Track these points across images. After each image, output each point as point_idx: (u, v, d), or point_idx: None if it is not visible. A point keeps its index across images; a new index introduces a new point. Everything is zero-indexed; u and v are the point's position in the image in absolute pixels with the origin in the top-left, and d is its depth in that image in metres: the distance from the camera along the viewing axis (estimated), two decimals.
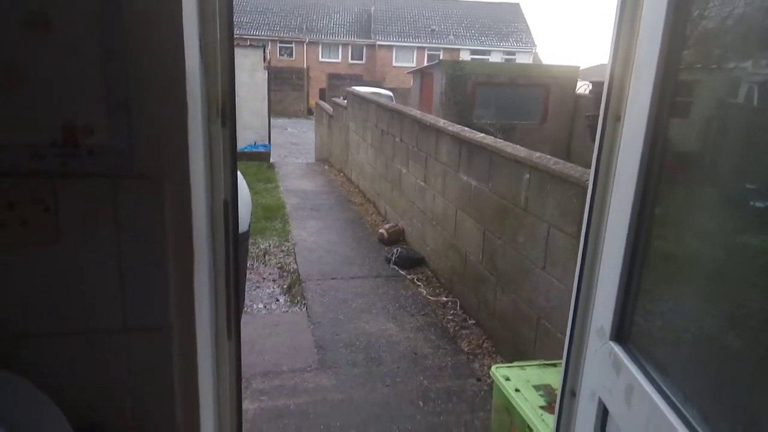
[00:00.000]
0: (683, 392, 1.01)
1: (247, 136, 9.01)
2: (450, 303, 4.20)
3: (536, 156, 3.11)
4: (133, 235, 0.84)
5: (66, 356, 0.85)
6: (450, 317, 3.98)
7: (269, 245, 5.22)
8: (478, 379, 3.20)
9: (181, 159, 0.84)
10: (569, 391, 1.45)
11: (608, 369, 1.21)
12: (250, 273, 4.58)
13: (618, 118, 1.22)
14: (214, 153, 1.04)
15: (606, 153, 1.26)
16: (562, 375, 1.46)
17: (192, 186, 0.87)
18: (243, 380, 3.06)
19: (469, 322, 3.90)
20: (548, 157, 3.11)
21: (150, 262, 0.86)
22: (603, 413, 1.24)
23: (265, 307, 4.02)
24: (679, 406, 0.98)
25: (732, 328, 1.00)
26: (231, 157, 1.08)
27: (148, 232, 0.85)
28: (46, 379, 0.81)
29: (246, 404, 2.85)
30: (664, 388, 1.03)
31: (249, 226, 2.31)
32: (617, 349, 1.19)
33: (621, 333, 1.21)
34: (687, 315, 1.13)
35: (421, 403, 2.94)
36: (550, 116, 11.47)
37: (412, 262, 4.87)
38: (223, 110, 1.04)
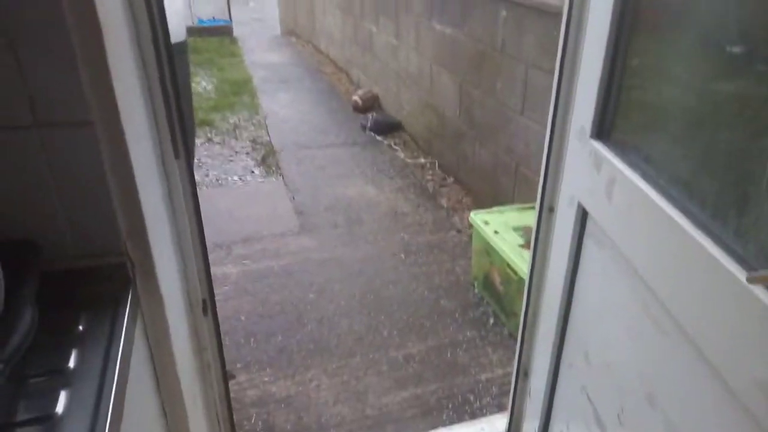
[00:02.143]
0: (667, 175, 0.95)
1: (204, 9, 8.31)
2: (429, 164, 4.13)
3: None
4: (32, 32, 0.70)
5: None
6: (429, 177, 3.94)
7: (239, 119, 5.00)
8: (458, 231, 3.22)
9: None
10: (547, 207, 1.41)
11: (588, 168, 1.14)
12: (222, 148, 4.42)
13: None
14: None
15: None
16: (540, 190, 1.41)
17: None
18: (224, 247, 3.07)
19: (449, 180, 3.86)
20: None
21: (51, 44, 0.72)
22: (582, 217, 1.20)
23: (240, 178, 3.92)
24: (665, 185, 0.92)
25: (716, 111, 0.91)
26: None
27: (44, 12, 0.70)
28: None
29: (229, 268, 2.85)
30: (648, 173, 0.97)
31: (186, 39, 2.13)
32: (598, 146, 1.11)
33: (602, 130, 1.13)
34: (667, 105, 1.04)
35: (403, 256, 2.97)
36: None
37: (388, 127, 4.72)
38: None
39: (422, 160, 4.19)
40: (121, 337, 0.77)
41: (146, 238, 0.86)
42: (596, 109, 1.13)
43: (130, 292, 0.84)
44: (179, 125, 1.03)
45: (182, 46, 2.06)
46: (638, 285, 0.98)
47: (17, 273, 0.71)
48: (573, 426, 1.29)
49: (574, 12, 1.21)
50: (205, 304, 1.24)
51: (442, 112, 3.91)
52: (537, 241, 1.44)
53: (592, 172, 1.12)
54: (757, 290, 0.69)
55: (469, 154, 3.57)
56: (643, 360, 0.97)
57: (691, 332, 0.83)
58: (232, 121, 4.96)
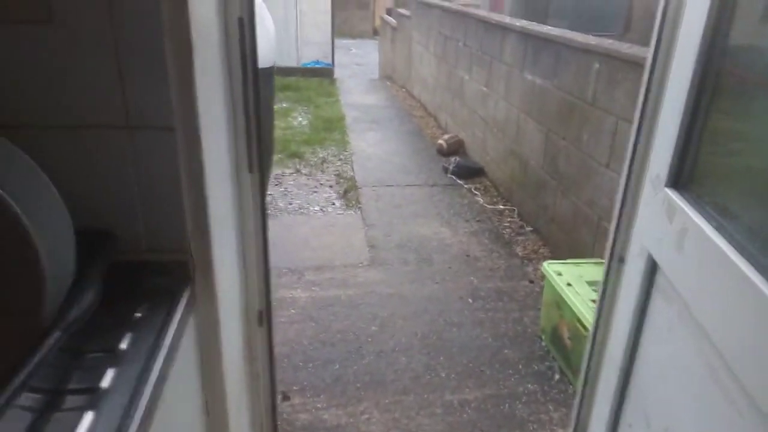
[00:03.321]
0: (743, 227, 0.88)
1: (309, 53, 8.87)
2: (507, 211, 4.06)
3: (608, 42, 2.82)
4: (130, 32, 0.79)
5: (68, 151, 0.83)
6: (506, 224, 3.87)
7: (327, 154, 5.22)
8: (531, 281, 3.11)
9: None
10: (617, 257, 1.34)
11: (661, 218, 1.08)
12: (308, 179, 4.62)
13: None
14: None
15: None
16: (610, 240, 1.35)
17: None
18: (296, 272, 3.17)
19: (526, 228, 3.77)
20: (620, 42, 2.82)
21: (148, 59, 0.81)
22: (651, 268, 1.13)
23: (321, 209, 4.06)
24: (740, 239, 0.86)
25: None
26: None
27: (146, 33, 0.80)
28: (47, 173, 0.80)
29: (298, 293, 2.93)
30: (723, 224, 0.90)
31: (273, 66, 2.28)
32: (672, 195, 1.05)
33: (678, 178, 1.07)
34: (748, 153, 0.97)
35: (470, 300, 2.91)
36: (633, 25, 10.45)
37: (470, 171, 4.72)
38: None
39: (501, 207, 4.13)
40: (172, 329, 0.82)
41: (209, 240, 0.91)
42: (673, 156, 1.08)
43: (188, 288, 0.90)
44: (256, 142, 1.10)
45: (268, 70, 2.23)
46: (706, 346, 0.90)
47: (91, 255, 0.78)
48: None
49: (659, 58, 1.18)
50: (261, 315, 1.29)
51: (525, 161, 3.86)
52: (605, 292, 1.37)
53: (664, 222, 1.06)
54: None
55: (549, 204, 3.48)
56: (707, 429, 0.88)
57: (760, 403, 0.75)
58: (321, 155, 5.18)
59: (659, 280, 1.09)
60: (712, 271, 0.89)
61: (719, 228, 0.90)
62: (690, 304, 0.96)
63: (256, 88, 1.10)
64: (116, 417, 0.65)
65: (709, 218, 0.93)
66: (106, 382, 0.70)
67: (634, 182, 1.23)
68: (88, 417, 0.64)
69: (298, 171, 4.79)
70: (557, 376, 2.31)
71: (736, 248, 0.85)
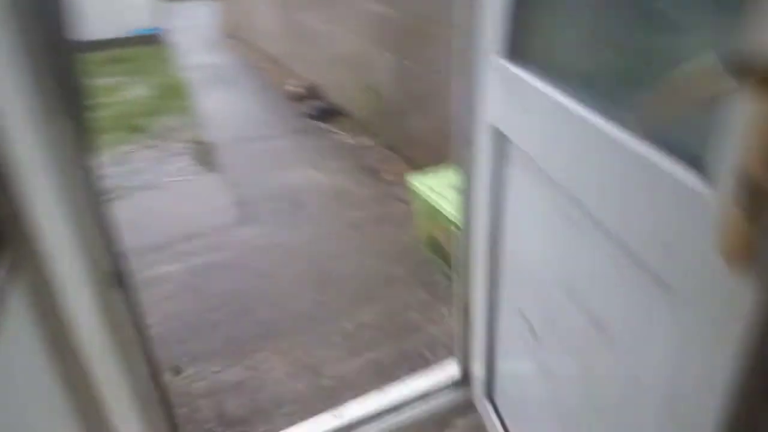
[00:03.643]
0: (573, 80, 0.92)
1: (137, 19, 8.00)
2: (372, 143, 4.09)
3: None
4: None
5: None
6: (373, 156, 3.89)
7: (175, 122, 4.84)
8: (404, 201, 3.18)
9: None
10: (466, 142, 1.38)
11: (501, 91, 1.11)
12: (157, 152, 4.26)
13: None
14: None
15: None
16: (458, 127, 1.37)
17: None
18: (164, 247, 2.94)
19: (392, 156, 3.83)
20: None
21: None
22: (500, 141, 1.17)
23: (178, 179, 3.78)
24: (572, 93, 0.90)
25: None
26: None
27: None
28: None
29: (171, 266, 2.74)
30: (553, 80, 0.94)
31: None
32: (508, 65, 1.08)
33: (512, 48, 1.10)
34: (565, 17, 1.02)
35: (349, 232, 2.92)
36: None
37: (329, 113, 4.65)
38: None
39: (366, 141, 4.14)
40: None
41: (22, 192, 0.77)
42: (505, 28, 1.10)
43: (7, 252, 0.76)
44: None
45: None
46: (548, 185, 0.95)
47: None
48: (514, 349, 1.27)
49: None
50: (114, 277, 1.16)
51: (380, 91, 3.87)
52: (464, 178, 1.41)
53: (504, 94, 1.09)
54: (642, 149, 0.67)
55: (409, 127, 3.55)
56: (562, 258, 0.95)
57: (592, 209, 0.81)
58: (168, 124, 4.79)
59: (510, 150, 1.14)
60: (554, 125, 0.93)
61: (551, 83, 0.94)
62: (538, 160, 1.00)
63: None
64: None
65: (543, 78, 0.96)
66: None
67: (470, 60, 1.25)
68: None
69: (144, 145, 4.39)
70: (443, 279, 2.42)
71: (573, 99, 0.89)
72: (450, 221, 2.26)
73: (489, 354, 1.38)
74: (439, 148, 3.20)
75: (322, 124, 4.53)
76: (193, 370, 2.05)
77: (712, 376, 0.61)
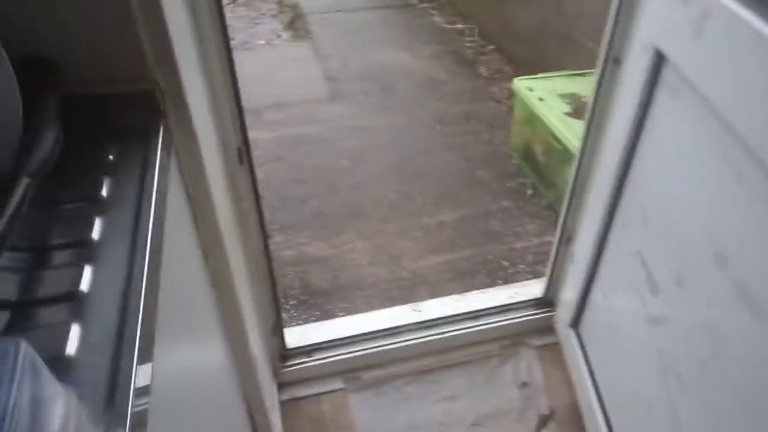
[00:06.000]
0: None
1: None
2: (467, 30, 3.83)
3: None
4: None
5: None
6: (467, 44, 3.67)
7: None
8: (498, 101, 3.05)
9: None
10: (612, 59, 1.26)
11: (672, 4, 0.98)
12: (246, 10, 4.16)
13: None
14: None
15: None
16: (605, 42, 1.25)
17: None
18: (254, 112, 2.97)
19: (489, 47, 3.59)
20: None
21: None
22: (657, 62, 1.05)
23: (268, 42, 3.72)
24: None
25: None
26: None
27: None
28: None
29: (261, 133, 2.78)
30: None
31: None
32: None
33: None
34: None
35: (438, 126, 2.85)
36: None
37: None
38: None
39: (460, 26, 3.88)
40: (155, 170, 0.72)
41: (175, 65, 0.77)
42: None
43: (161, 123, 0.78)
44: None
45: None
46: (720, 132, 0.87)
47: (35, 91, 0.64)
48: (619, 291, 1.26)
49: None
50: (240, 152, 1.18)
51: None
52: (596, 99, 1.31)
53: (676, 6, 0.96)
54: None
55: (511, 17, 3.27)
56: (717, 218, 0.89)
57: None
58: None
59: (667, 76, 1.03)
60: (743, 56, 0.82)
61: (750, 6, 0.81)
62: (705, 93, 0.90)
63: None
64: (120, 268, 0.57)
65: None
66: (95, 233, 0.61)
67: None
68: (88, 271, 0.56)
69: (234, 1, 4.28)
70: (530, 192, 2.37)
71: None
72: (552, 134, 2.15)
73: (585, 286, 1.38)
74: (544, 47, 2.97)
75: (414, 0, 4.25)
76: (281, 238, 2.16)
77: None
